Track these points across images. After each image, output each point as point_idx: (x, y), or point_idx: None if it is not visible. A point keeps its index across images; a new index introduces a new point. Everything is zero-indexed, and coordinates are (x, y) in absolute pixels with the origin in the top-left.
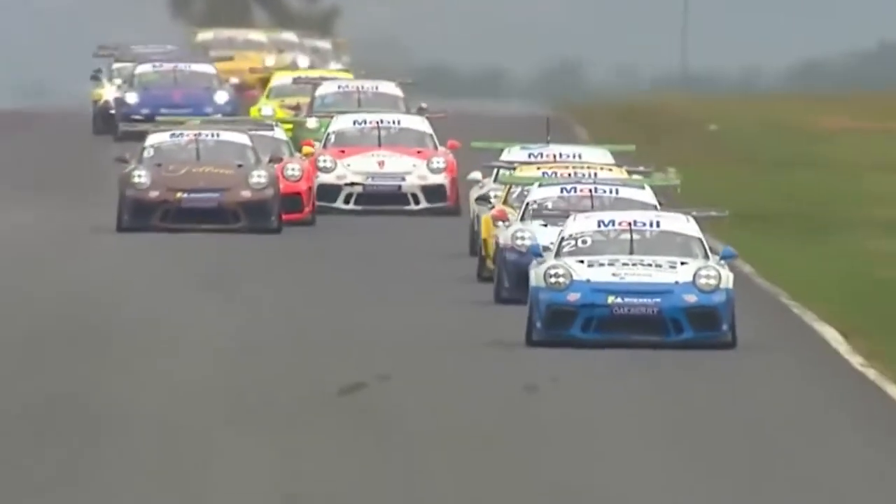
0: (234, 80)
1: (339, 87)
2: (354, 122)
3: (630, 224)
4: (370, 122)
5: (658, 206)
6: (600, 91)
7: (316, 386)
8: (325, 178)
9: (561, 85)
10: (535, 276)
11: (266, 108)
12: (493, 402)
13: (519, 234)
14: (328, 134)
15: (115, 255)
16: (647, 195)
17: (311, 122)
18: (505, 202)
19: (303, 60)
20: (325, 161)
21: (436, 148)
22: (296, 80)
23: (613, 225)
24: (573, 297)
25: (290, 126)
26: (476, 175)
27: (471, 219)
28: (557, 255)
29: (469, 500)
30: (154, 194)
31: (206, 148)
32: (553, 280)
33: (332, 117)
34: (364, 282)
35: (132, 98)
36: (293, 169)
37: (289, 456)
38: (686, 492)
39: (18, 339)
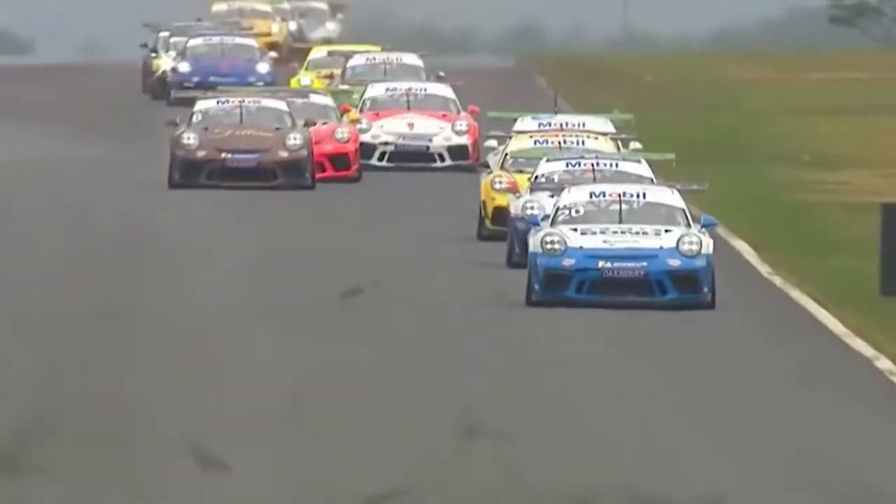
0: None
1: (367, 59)
2: (386, 90)
3: (619, 195)
4: (400, 90)
5: (654, 181)
6: (556, 47)
7: (321, 292)
8: (361, 138)
9: (523, 41)
10: (534, 242)
11: (305, 78)
12: (470, 305)
13: (528, 205)
14: (364, 100)
15: (164, 193)
16: (644, 168)
17: (344, 88)
18: (502, 167)
19: (292, 25)
20: (361, 123)
21: (458, 112)
22: (330, 53)
23: (604, 196)
24: (568, 262)
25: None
26: (492, 143)
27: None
28: (553, 223)
29: (438, 377)
30: (201, 154)
31: (248, 113)
32: (549, 246)
33: (364, 85)
34: (376, 222)
35: (185, 67)
36: (342, 132)
37: (295, 342)
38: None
39: (81, 255)
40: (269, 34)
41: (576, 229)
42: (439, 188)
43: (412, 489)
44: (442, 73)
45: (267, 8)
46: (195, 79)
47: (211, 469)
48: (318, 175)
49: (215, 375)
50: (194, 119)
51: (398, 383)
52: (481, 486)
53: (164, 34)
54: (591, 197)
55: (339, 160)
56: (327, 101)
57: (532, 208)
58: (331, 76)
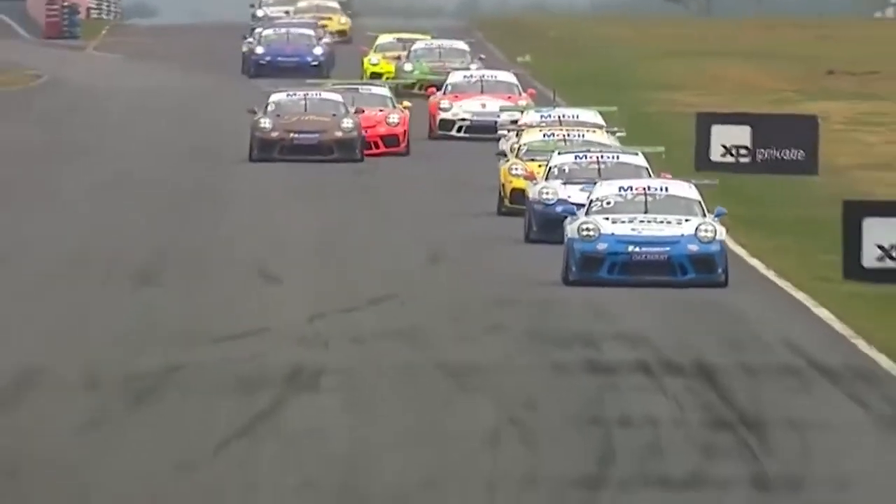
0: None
1: (425, 44)
2: (464, 77)
3: (645, 189)
4: (475, 77)
5: (650, 170)
6: (489, 13)
7: (345, 178)
8: (444, 115)
9: (470, 7)
10: (571, 229)
11: (374, 57)
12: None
13: (544, 191)
14: (446, 85)
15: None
16: (640, 160)
17: (407, 66)
18: (517, 156)
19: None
20: (444, 103)
21: (520, 94)
22: (397, 39)
23: (631, 190)
24: (601, 246)
25: (389, 69)
26: (503, 132)
27: (499, 167)
28: (587, 213)
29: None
30: (274, 135)
31: (311, 103)
32: (585, 233)
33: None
34: (406, 187)
35: (260, 50)
36: (393, 117)
37: (322, 209)
38: None
39: (190, 141)
40: (339, 25)
41: (608, 218)
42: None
43: (398, 294)
44: (483, 56)
45: (335, 5)
46: (267, 58)
47: (270, 281)
48: (371, 152)
49: (269, 230)
50: (269, 108)
51: (387, 236)
52: (446, 291)
53: (259, 29)
54: (619, 190)
55: (389, 140)
56: (384, 91)
57: (547, 194)
58: (398, 57)
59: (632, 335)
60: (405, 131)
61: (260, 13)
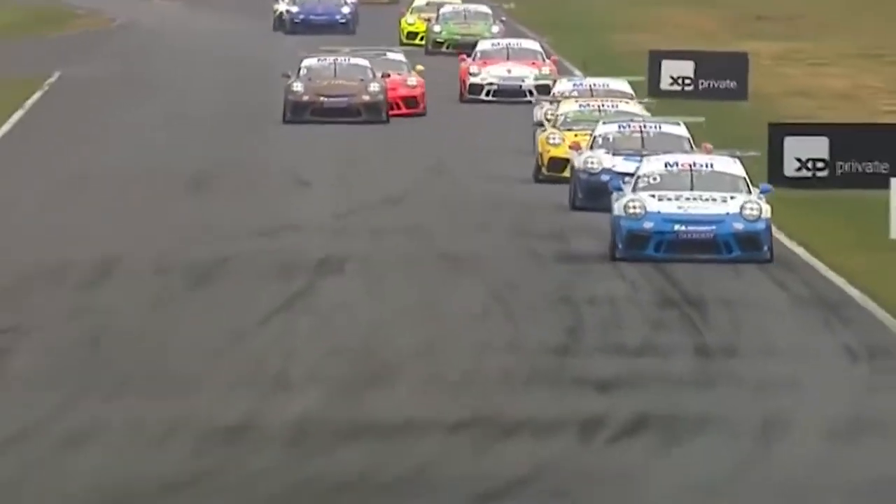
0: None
1: (452, 7)
2: (491, 45)
3: (690, 165)
4: (501, 44)
5: (692, 140)
6: None
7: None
8: (473, 80)
9: None
10: (617, 207)
11: (410, 17)
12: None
13: (589, 160)
14: (475, 52)
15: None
16: (682, 130)
17: (437, 27)
18: (554, 125)
19: None
20: (473, 69)
21: (544, 61)
22: (428, 3)
23: (677, 166)
24: (648, 224)
25: (423, 29)
26: (537, 100)
27: (534, 134)
28: (634, 189)
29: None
30: (306, 98)
31: (340, 68)
32: (632, 211)
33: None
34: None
35: (294, 9)
36: (411, 81)
37: (349, 140)
38: None
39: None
40: None
41: (654, 196)
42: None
43: (407, 195)
44: (504, 19)
45: None
46: (301, 16)
47: (301, 185)
48: (392, 112)
49: (302, 147)
50: (301, 73)
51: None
52: (445, 194)
53: None
54: (666, 167)
55: (409, 101)
56: (400, 56)
57: (592, 163)
58: (429, 19)
59: (597, 230)
60: (423, 93)
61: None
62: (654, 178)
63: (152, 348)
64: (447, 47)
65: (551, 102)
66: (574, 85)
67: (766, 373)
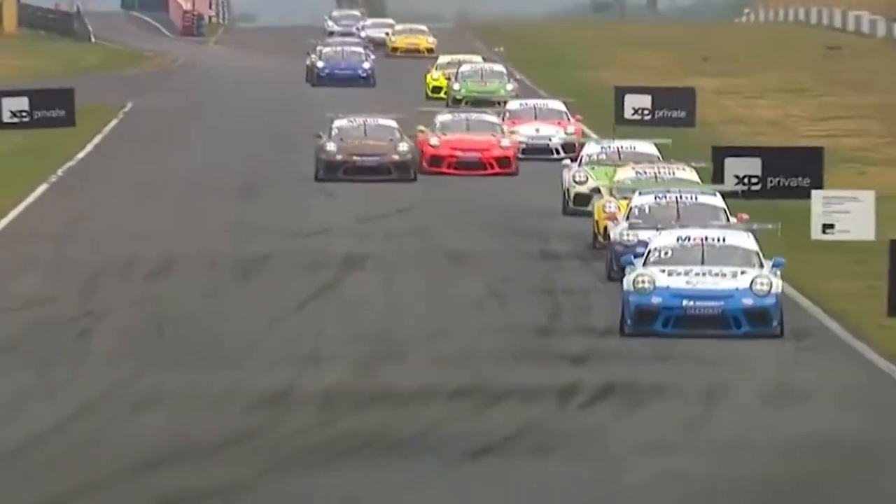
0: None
1: (470, 66)
2: (519, 105)
3: (703, 240)
4: (529, 104)
5: (727, 209)
6: (476, 17)
7: None
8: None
9: (461, 15)
10: (627, 282)
11: (435, 73)
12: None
13: (625, 234)
14: (504, 111)
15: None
16: (718, 200)
17: (456, 85)
18: (610, 193)
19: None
20: (504, 129)
21: (569, 119)
22: (449, 62)
23: (689, 240)
24: (656, 300)
25: (446, 84)
26: (566, 161)
27: (563, 187)
28: (645, 263)
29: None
30: (338, 158)
31: (370, 128)
32: (640, 286)
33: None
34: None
35: (320, 63)
36: (505, 142)
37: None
38: None
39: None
40: (427, 44)
41: (664, 270)
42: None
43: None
44: (517, 77)
45: (424, 28)
46: (326, 70)
47: (328, 196)
48: (485, 172)
49: None
50: (333, 133)
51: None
52: (449, 203)
53: (319, 47)
54: (678, 241)
55: (502, 161)
56: (495, 119)
57: (628, 237)
58: (449, 77)
59: (572, 233)
60: (515, 154)
61: (330, 28)
62: (666, 253)
63: (206, 330)
64: (466, 103)
65: (575, 160)
66: (602, 148)
67: (710, 350)
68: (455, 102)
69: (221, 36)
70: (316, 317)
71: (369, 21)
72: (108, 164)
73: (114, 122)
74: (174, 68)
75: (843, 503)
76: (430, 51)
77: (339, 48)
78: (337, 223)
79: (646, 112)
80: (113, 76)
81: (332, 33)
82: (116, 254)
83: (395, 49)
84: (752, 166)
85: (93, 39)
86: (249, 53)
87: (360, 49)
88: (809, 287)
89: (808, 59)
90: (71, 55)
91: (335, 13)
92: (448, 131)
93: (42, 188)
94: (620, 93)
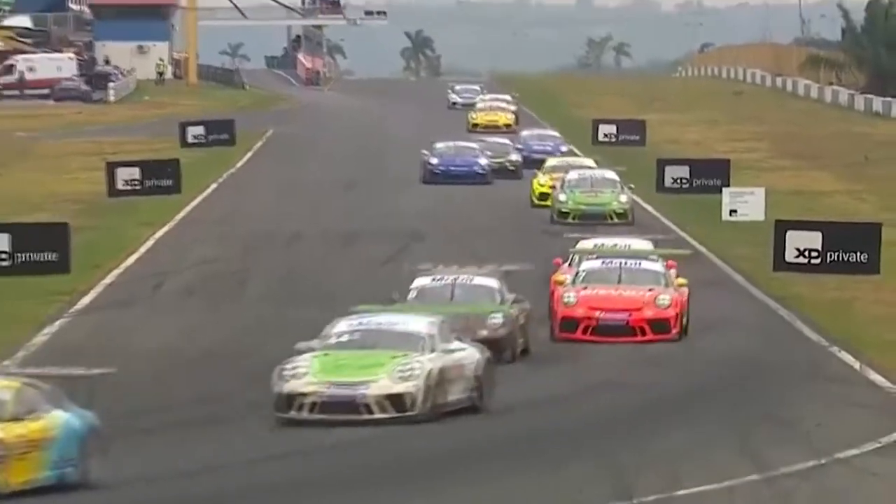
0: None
1: (578, 174)
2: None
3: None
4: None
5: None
6: (500, 72)
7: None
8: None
9: (490, 72)
10: (556, 297)
11: (542, 178)
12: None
13: (566, 294)
14: (580, 271)
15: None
16: (659, 266)
17: (562, 196)
18: (574, 281)
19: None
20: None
21: (667, 285)
22: (555, 167)
23: (611, 264)
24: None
25: (549, 191)
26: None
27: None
28: (574, 283)
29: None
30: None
31: (459, 289)
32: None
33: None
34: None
35: (434, 160)
36: (663, 298)
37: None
38: None
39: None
40: (506, 119)
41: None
42: None
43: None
44: (632, 186)
45: (504, 105)
46: (441, 168)
47: (349, 188)
48: (636, 339)
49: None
50: (411, 295)
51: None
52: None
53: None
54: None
55: (658, 325)
56: (658, 266)
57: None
58: (554, 186)
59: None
60: (678, 314)
61: (453, 99)
62: (591, 274)
63: (320, 279)
64: (573, 218)
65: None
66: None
67: None
68: (560, 216)
69: (333, 85)
70: (394, 271)
71: (488, 96)
72: (257, 171)
73: (259, 143)
74: (300, 107)
75: (733, 401)
76: (507, 126)
77: (452, 143)
78: (409, 209)
79: (613, 136)
80: (259, 113)
81: (455, 104)
82: (262, 229)
83: (475, 126)
84: (683, 171)
85: (246, 87)
86: (358, 97)
87: (473, 145)
88: (721, 252)
89: (720, 102)
90: (231, 98)
91: (458, 87)
92: (592, 283)
93: (213, 186)
94: (596, 123)
